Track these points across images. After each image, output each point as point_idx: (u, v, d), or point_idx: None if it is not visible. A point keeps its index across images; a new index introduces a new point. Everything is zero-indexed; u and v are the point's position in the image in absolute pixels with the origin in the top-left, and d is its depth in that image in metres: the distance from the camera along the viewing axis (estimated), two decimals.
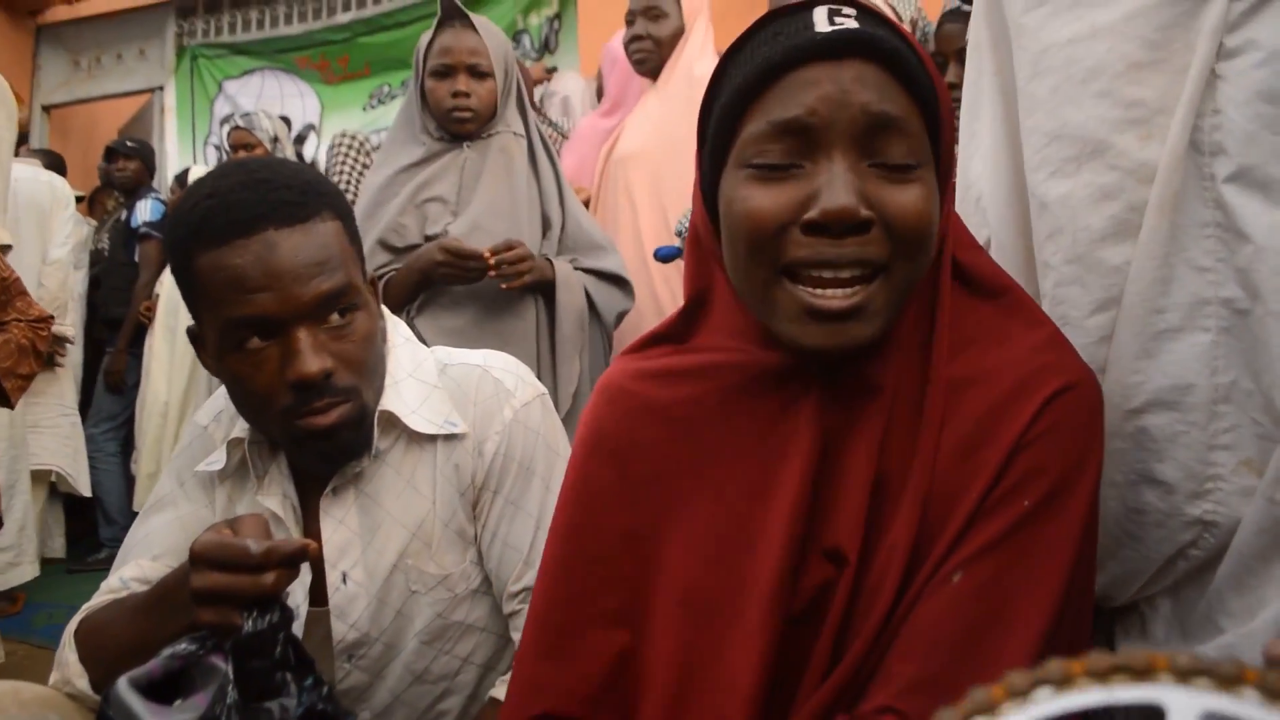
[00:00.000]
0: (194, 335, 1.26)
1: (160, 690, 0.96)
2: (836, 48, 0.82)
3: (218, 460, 1.31)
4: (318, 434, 1.19)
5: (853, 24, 0.82)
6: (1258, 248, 0.91)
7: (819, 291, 0.82)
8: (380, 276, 2.16)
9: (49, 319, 2.60)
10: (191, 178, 4.61)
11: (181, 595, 1.01)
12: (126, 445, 4.80)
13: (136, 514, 4.61)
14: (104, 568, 4.48)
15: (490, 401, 1.32)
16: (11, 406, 2.51)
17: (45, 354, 2.58)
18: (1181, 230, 0.95)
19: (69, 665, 1.17)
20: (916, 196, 0.82)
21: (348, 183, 2.82)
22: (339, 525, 1.29)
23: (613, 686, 0.95)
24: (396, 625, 1.31)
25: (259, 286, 1.14)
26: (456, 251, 2.06)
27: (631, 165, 2.73)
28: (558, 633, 0.97)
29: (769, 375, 0.90)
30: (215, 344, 1.20)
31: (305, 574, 1.29)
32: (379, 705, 1.34)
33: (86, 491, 4.22)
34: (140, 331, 4.65)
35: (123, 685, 0.94)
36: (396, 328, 1.38)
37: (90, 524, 4.76)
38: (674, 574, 0.94)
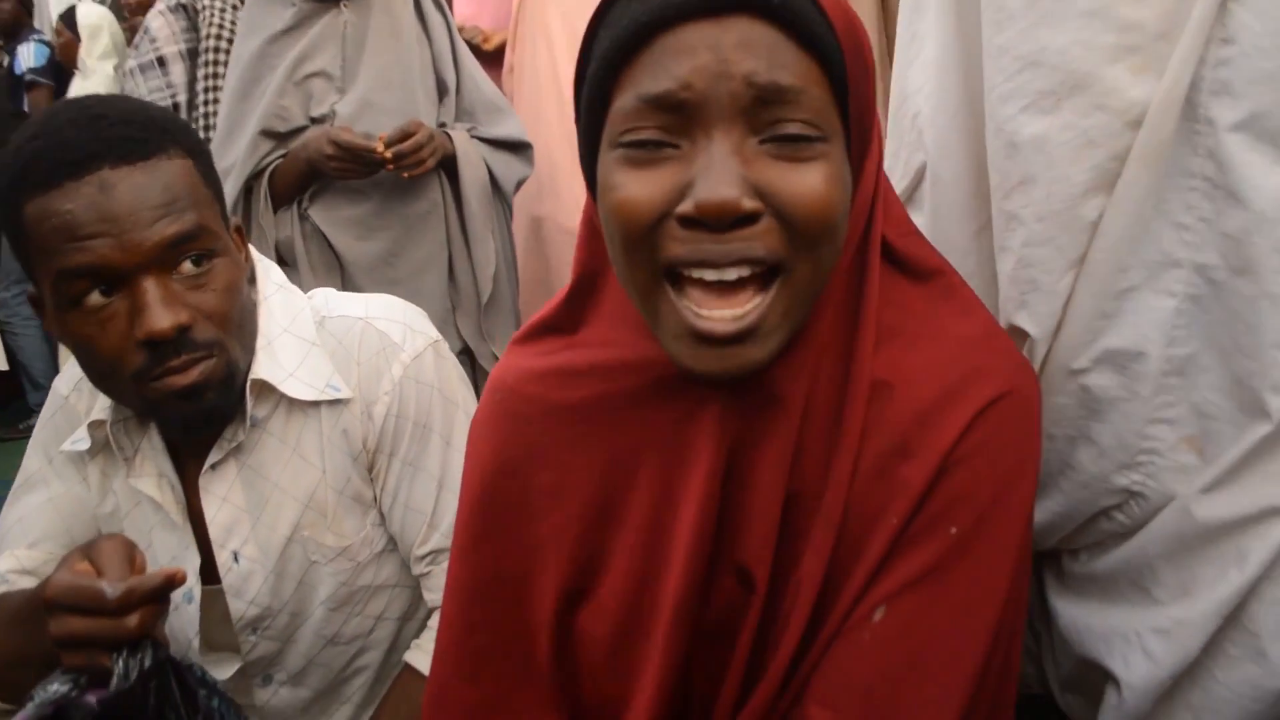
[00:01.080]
0: (33, 299, 1.13)
1: None
2: (716, 4, 0.67)
3: (81, 440, 1.19)
4: (178, 395, 1.07)
5: None
6: (1256, 216, 0.79)
7: (704, 313, 0.70)
8: (265, 168, 1.97)
9: None
10: (81, 18, 4.23)
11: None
12: None
13: None
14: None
15: (376, 359, 1.21)
16: None
17: None
18: (1164, 180, 0.83)
19: None
20: (819, 178, 0.69)
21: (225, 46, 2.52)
22: (223, 503, 1.20)
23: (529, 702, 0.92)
24: (300, 595, 1.24)
25: (94, 232, 1.01)
26: (348, 146, 1.87)
27: (550, 3, 2.49)
28: (472, 657, 0.93)
29: (667, 379, 0.81)
30: (52, 302, 1.06)
31: (194, 556, 1.22)
32: (293, 668, 1.29)
33: (2, 365, 4.08)
34: None
35: None
36: (268, 273, 1.24)
37: (17, 388, 4.63)
38: (584, 586, 0.88)
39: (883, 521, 0.75)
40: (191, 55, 3.27)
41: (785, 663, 0.78)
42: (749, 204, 0.67)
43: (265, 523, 1.21)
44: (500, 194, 2.17)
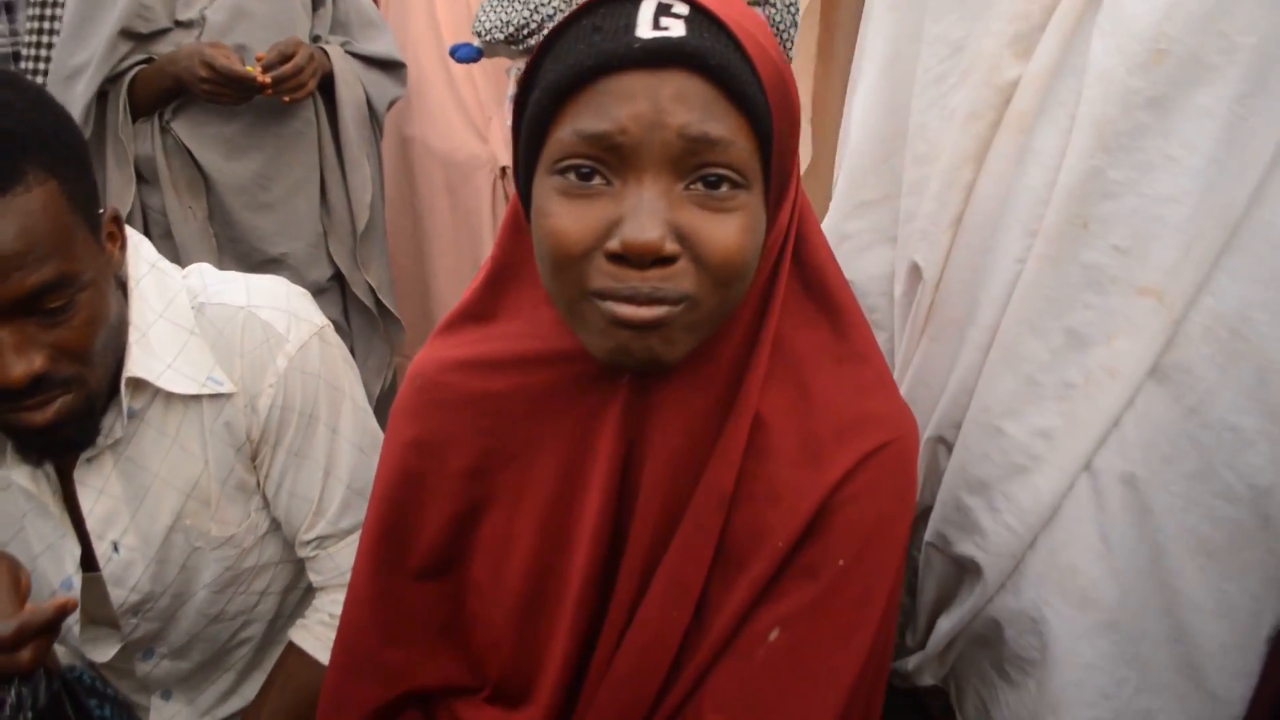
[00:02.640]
0: None
1: None
2: (656, 58, 0.71)
3: None
4: (34, 431, 1.01)
5: (679, 29, 0.72)
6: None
7: (621, 306, 0.74)
8: (123, 73, 1.80)
9: None
10: None
11: None
12: None
13: None
14: None
15: (259, 350, 1.15)
16: None
17: None
18: (1026, 151, 0.94)
19: None
20: (735, 229, 0.74)
21: None
22: (100, 495, 1.14)
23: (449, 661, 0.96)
24: (182, 579, 1.21)
25: None
26: (225, 72, 1.73)
27: None
28: (390, 623, 0.95)
29: (580, 375, 0.86)
30: None
31: (73, 546, 1.16)
32: (176, 644, 1.26)
33: None
34: None
35: None
36: (139, 250, 1.15)
37: None
38: (495, 573, 0.92)
39: (767, 544, 0.82)
40: None
41: (667, 658, 0.84)
42: (670, 247, 0.72)
43: (145, 512, 1.16)
44: (374, 115, 2.07)
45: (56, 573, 1.16)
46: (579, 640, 0.88)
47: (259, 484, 1.21)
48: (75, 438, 1.06)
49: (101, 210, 1.07)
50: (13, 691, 0.86)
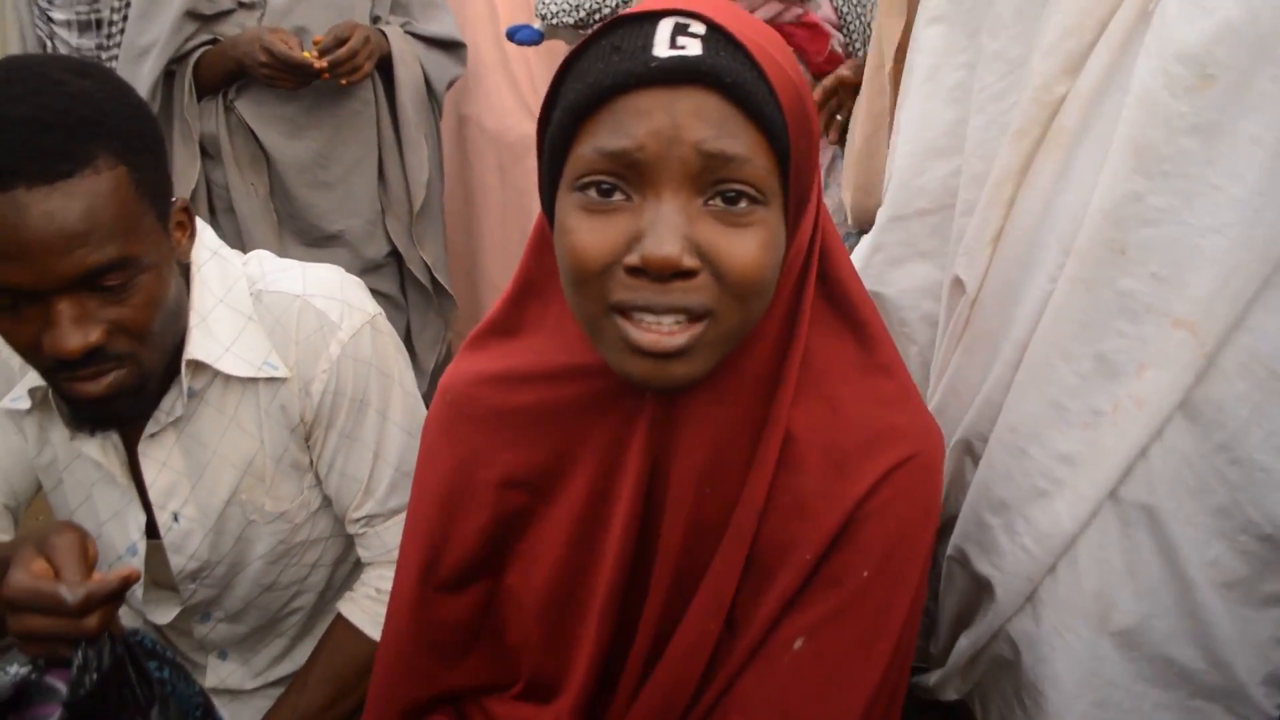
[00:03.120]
0: None
1: None
2: (673, 76, 0.72)
3: (21, 401, 1.16)
4: (86, 401, 1.05)
5: (695, 48, 0.72)
6: None
7: (641, 334, 0.75)
8: (189, 53, 1.85)
9: None
10: None
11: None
12: None
13: None
14: None
15: (314, 338, 1.19)
16: None
17: None
18: (1068, 167, 0.94)
19: None
20: (753, 244, 0.75)
21: None
22: (162, 468, 1.19)
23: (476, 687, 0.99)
24: (238, 550, 1.26)
25: (5, 254, 0.96)
26: (282, 58, 1.77)
27: None
28: (427, 629, 0.98)
29: (605, 389, 0.87)
30: None
31: (138, 514, 1.22)
32: (232, 609, 1.32)
33: None
34: None
35: None
36: (201, 238, 1.19)
37: None
38: (526, 578, 0.94)
39: (794, 555, 0.84)
40: None
41: (699, 667, 0.87)
42: (689, 261, 0.73)
43: (204, 486, 1.21)
44: (433, 95, 2.10)
45: (122, 539, 1.22)
46: (606, 644, 0.91)
47: (312, 463, 1.25)
48: (126, 412, 1.10)
49: (173, 200, 1.11)
50: (79, 654, 0.90)
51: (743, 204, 0.74)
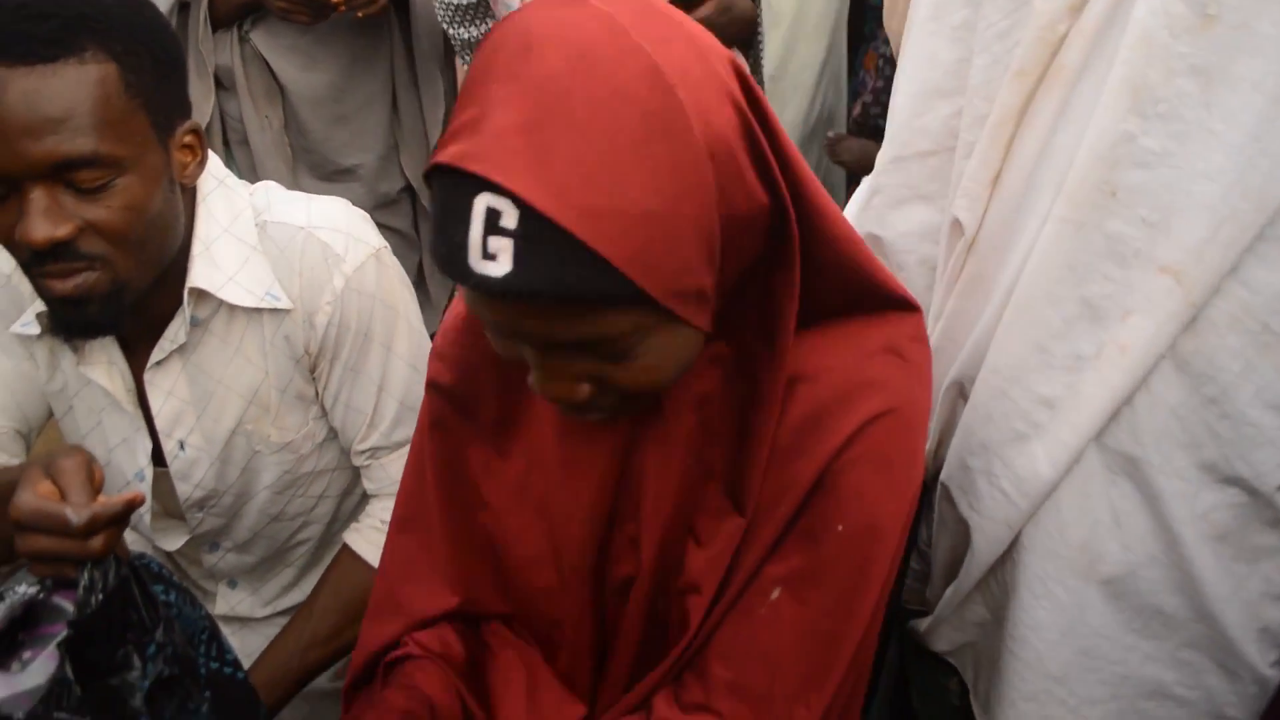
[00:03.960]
0: None
1: (3, 638, 0.94)
2: (490, 293, 0.67)
3: (30, 326, 1.18)
4: (58, 300, 1.06)
5: (505, 259, 0.65)
6: None
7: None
8: None
9: None
10: None
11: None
12: None
13: None
14: None
15: (318, 270, 1.20)
16: None
17: None
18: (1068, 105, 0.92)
19: None
20: (643, 365, 0.74)
21: None
22: (168, 396, 1.22)
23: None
24: (244, 480, 1.29)
25: None
26: None
27: None
28: (412, 565, 1.00)
29: None
30: None
31: (145, 441, 1.24)
32: (239, 540, 1.35)
33: None
34: None
35: None
36: (207, 167, 1.19)
37: None
38: (517, 512, 0.95)
39: (775, 511, 0.83)
40: None
41: (695, 626, 0.88)
42: (582, 393, 0.76)
43: (210, 415, 1.23)
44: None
45: (130, 465, 1.25)
46: (594, 614, 0.93)
47: (317, 395, 1.27)
48: (98, 319, 1.09)
49: (183, 121, 1.12)
50: (85, 575, 0.91)
51: (616, 349, 0.72)
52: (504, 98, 0.65)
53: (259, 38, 1.89)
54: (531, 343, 0.73)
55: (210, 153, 1.21)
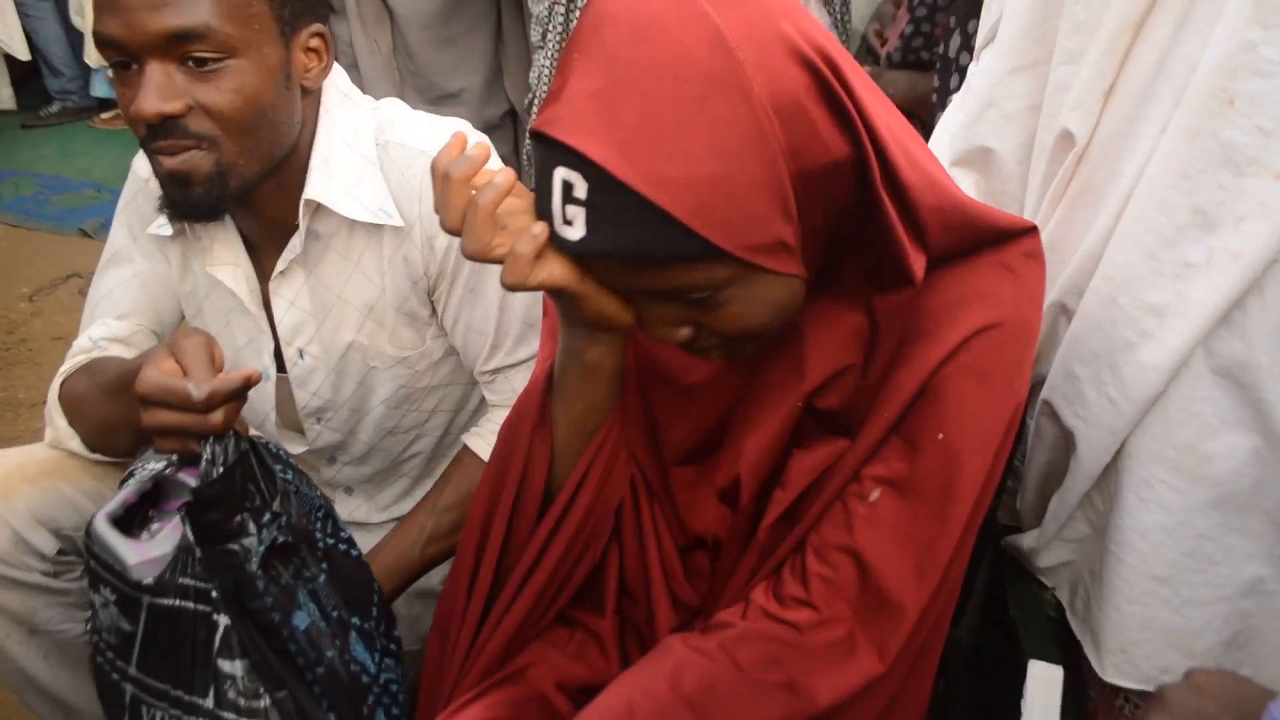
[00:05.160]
0: None
1: (134, 511, 1.02)
2: (572, 251, 0.75)
3: (164, 227, 1.25)
4: (165, 176, 1.11)
5: (579, 224, 0.72)
6: None
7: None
8: None
9: None
10: None
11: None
12: None
13: (83, 64, 4.44)
14: (57, 122, 4.44)
15: None
16: None
17: None
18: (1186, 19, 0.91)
19: (60, 429, 1.24)
20: (732, 312, 0.79)
21: None
22: (290, 306, 1.27)
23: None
24: (359, 394, 1.34)
25: (110, 6, 1.04)
26: None
27: None
28: None
29: None
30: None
31: (269, 342, 1.31)
32: (355, 454, 1.42)
33: (24, 54, 3.98)
34: None
35: (101, 523, 0.99)
36: (333, 80, 1.24)
37: (33, 71, 4.54)
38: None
39: (878, 417, 0.86)
40: None
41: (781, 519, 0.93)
42: (681, 334, 0.82)
43: (328, 327, 1.28)
44: None
45: (256, 365, 1.32)
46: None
47: (435, 315, 1.31)
48: (202, 201, 1.13)
49: (311, 23, 1.16)
50: (207, 448, 0.97)
51: (701, 295, 0.77)
52: (581, 68, 0.71)
53: None
54: (624, 293, 0.80)
55: (337, 68, 1.24)
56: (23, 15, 4.14)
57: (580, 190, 0.71)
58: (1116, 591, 1.03)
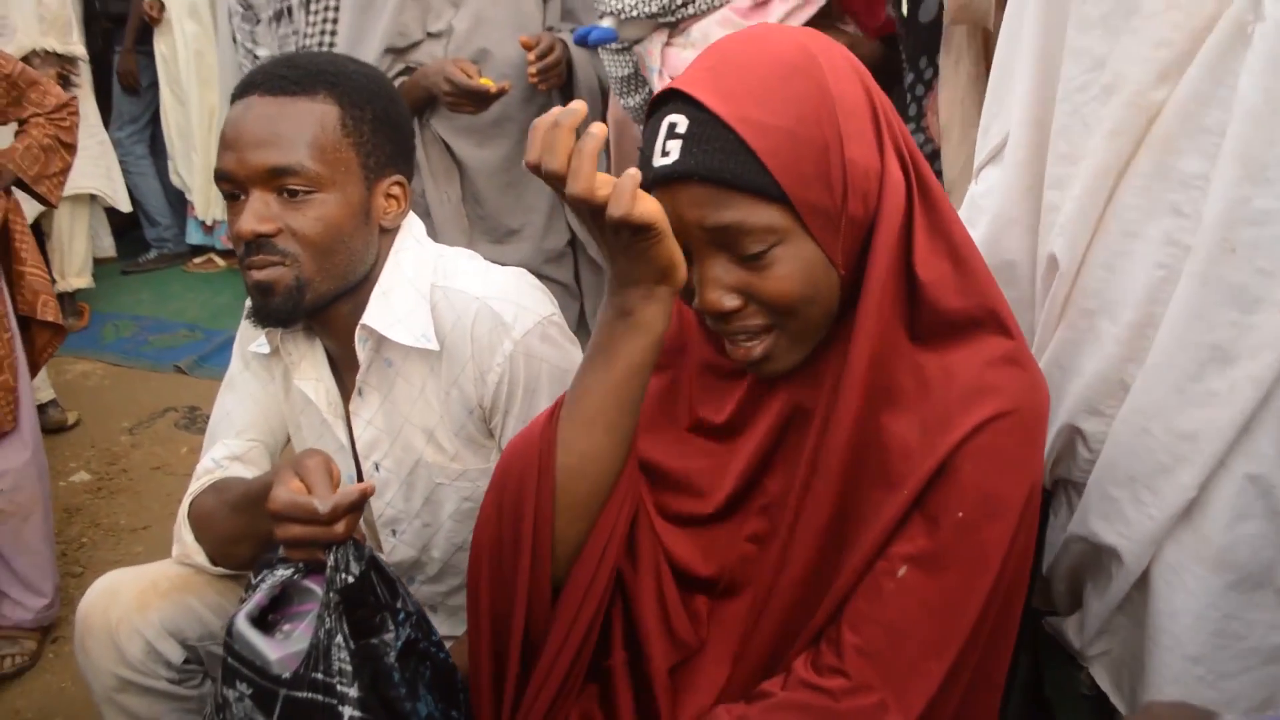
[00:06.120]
0: None
1: (265, 613, 1.15)
2: (666, 180, 0.91)
3: (262, 345, 1.42)
4: (253, 286, 1.28)
5: (675, 152, 0.90)
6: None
7: (734, 349, 0.98)
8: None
9: (69, 103, 2.40)
10: None
11: (264, 507, 1.14)
12: (154, 144, 4.82)
13: (178, 214, 4.80)
14: (154, 267, 4.77)
15: (489, 337, 1.34)
16: (54, 205, 2.50)
17: (73, 143, 2.45)
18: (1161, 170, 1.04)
19: (187, 544, 1.39)
20: (779, 274, 0.92)
21: None
22: (367, 425, 1.41)
23: None
24: (429, 509, 1.46)
25: (228, 144, 1.25)
26: (462, 87, 1.99)
27: None
28: None
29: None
30: None
31: (350, 460, 1.44)
32: (431, 573, 1.52)
33: (126, 207, 4.32)
34: (146, 28, 4.50)
35: (241, 622, 1.11)
36: (410, 228, 1.40)
37: (134, 221, 4.90)
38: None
39: (896, 494, 0.95)
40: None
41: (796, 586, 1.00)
42: (730, 303, 0.94)
43: (400, 445, 1.41)
44: (604, 93, 2.27)
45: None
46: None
47: (497, 440, 1.42)
48: (280, 309, 1.29)
49: (394, 173, 1.34)
50: (332, 556, 1.09)
51: (756, 249, 0.91)
52: (698, 62, 0.94)
53: (438, 123, 2.15)
54: (693, 237, 0.92)
55: (417, 220, 1.42)
56: (125, 171, 4.50)
57: (681, 126, 0.90)
58: (1157, 674, 1.11)
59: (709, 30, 1.94)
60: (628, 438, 1.02)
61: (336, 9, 2.22)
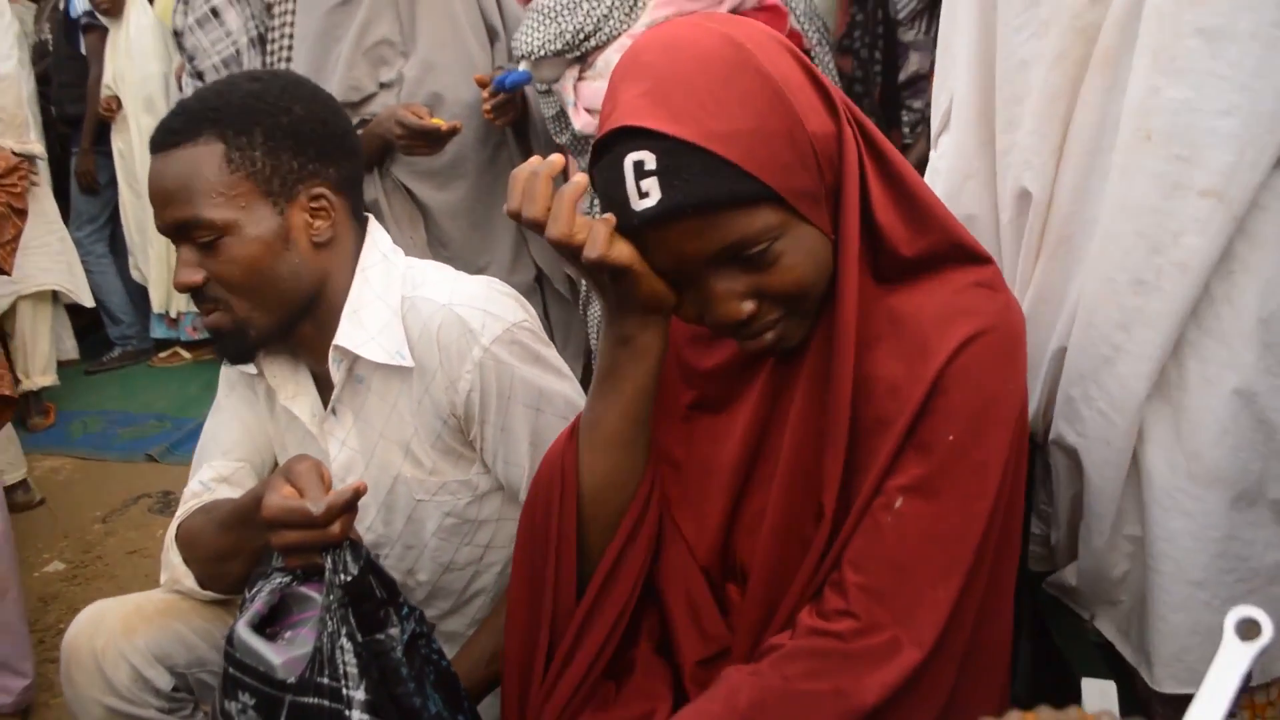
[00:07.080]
0: None
1: (265, 621, 1.14)
2: (652, 224, 0.89)
3: (249, 367, 1.42)
4: (206, 328, 1.33)
5: (654, 192, 0.87)
6: None
7: (753, 346, 0.99)
8: None
9: (17, 167, 2.47)
10: None
11: (256, 518, 1.14)
12: (114, 243, 4.81)
13: (141, 311, 4.77)
14: (118, 366, 4.72)
15: (457, 344, 1.33)
16: (7, 273, 2.52)
17: (24, 209, 2.50)
18: (1115, 83, 1.06)
19: (175, 568, 1.37)
20: (786, 265, 0.93)
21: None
22: (342, 446, 1.39)
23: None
24: (411, 529, 1.43)
25: (153, 206, 1.28)
26: (414, 128, 2.02)
27: None
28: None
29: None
30: None
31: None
32: (420, 596, 1.48)
33: (89, 302, 4.28)
34: (103, 128, 4.54)
35: (243, 629, 1.10)
36: (376, 242, 1.38)
37: (96, 322, 4.88)
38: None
39: (893, 427, 0.95)
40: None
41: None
42: (747, 307, 0.94)
43: (375, 464, 1.39)
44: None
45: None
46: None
47: (477, 451, 1.41)
48: (231, 350, 1.34)
49: (311, 185, 1.30)
50: (329, 559, 1.09)
51: (757, 249, 0.91)
52: (626, 84, 0.91)
53: (398, 170, 2.17)
54: (695, 266, 0.92)
55: (380, 230, 1.41)
56: (86, 270, 4.46)
57: (650, 163, 0.87)
58: (1161, 603, 1.10)
59: (610, 59, 2.00)
60: (645, 448, 1.07)
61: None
